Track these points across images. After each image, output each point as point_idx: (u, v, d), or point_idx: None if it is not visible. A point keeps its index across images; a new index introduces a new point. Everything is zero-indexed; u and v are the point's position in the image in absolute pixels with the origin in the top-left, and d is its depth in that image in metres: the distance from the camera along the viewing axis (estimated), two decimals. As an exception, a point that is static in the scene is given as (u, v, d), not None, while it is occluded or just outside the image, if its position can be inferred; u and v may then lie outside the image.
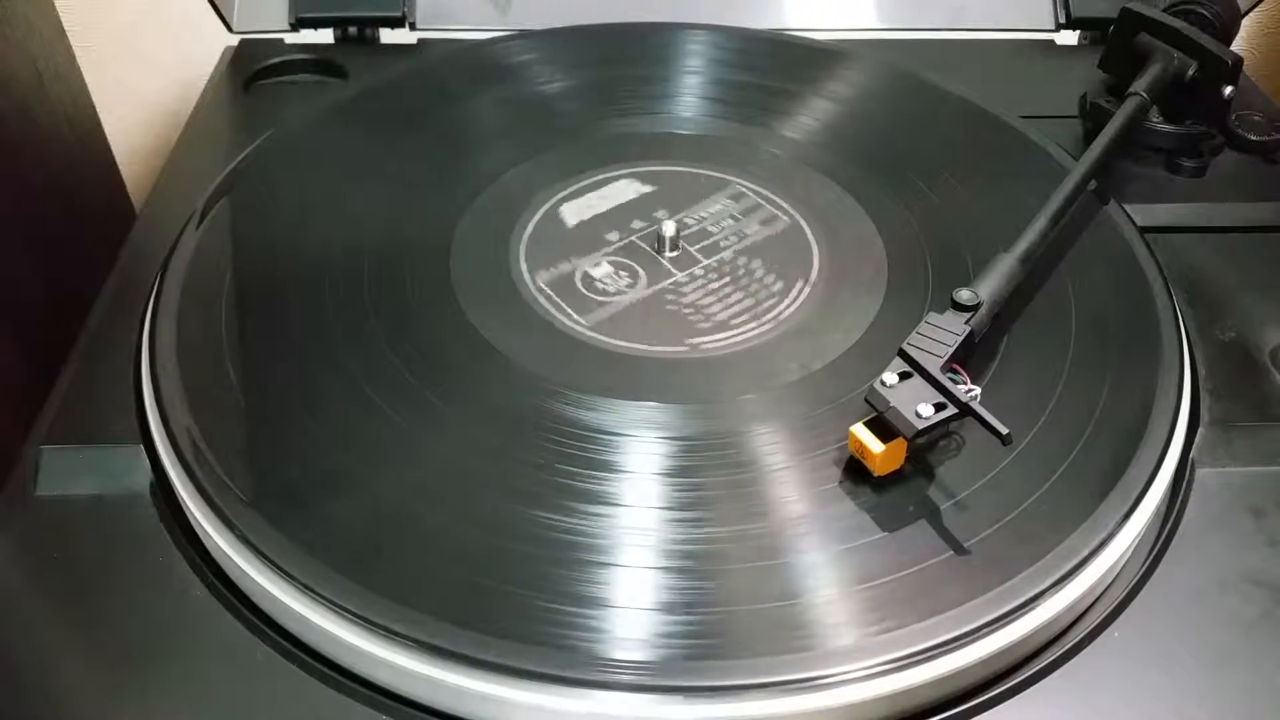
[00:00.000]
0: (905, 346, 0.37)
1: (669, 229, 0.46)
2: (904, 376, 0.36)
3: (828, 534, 0.35)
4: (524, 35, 0.60)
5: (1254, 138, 0.54)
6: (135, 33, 0.77)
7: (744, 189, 0.48)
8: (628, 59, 0.58)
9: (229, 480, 0.35)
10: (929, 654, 0.31)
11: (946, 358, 0.36)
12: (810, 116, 0.55)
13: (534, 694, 0.31)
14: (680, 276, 0.45)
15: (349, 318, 0.42)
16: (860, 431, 0.36)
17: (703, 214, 0.47)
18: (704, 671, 0.31)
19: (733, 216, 0.47)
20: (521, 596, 0.33)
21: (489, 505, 0.35)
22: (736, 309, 0.43)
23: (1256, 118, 0.55)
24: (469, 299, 0.43)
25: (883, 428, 0.35)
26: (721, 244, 0.46)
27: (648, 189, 0.49)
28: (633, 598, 0.33)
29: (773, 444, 0.38)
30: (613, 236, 0.47)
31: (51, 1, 0.65)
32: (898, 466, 0.36)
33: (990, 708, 0.32)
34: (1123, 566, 0.36)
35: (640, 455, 0.37)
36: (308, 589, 0.32)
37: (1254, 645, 0.34)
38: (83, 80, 0.68)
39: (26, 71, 0.60)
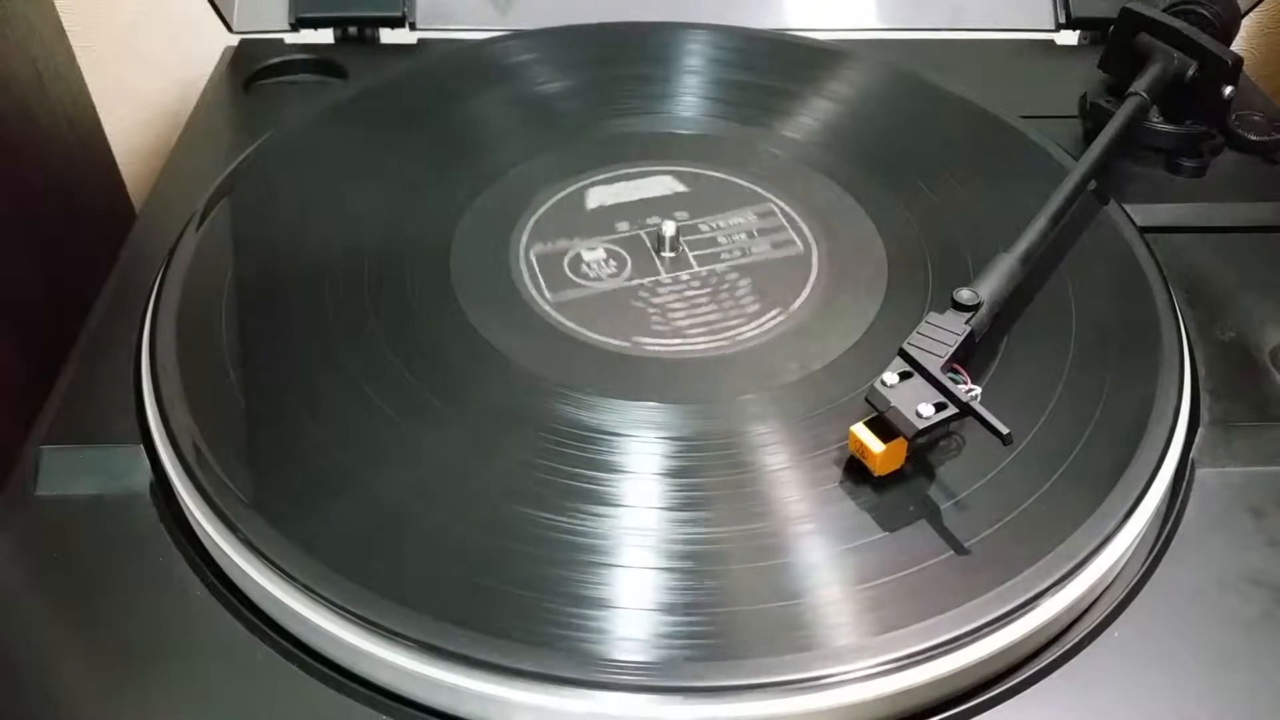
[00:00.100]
0: (906, 346, 0.37)
1: (669, 229, 0.46)
2: (904, 376, 0.36)
3: (828, 534, 0.35)
4: (524, 35, 0.60)
5: (1254, 138, 0.54)
6: (135, 33, 0.77)
7: (775, 208, 0.48)
8: (627, 59, 0.58)
9: (229, 480, 0.35)
10: (929, 654, 0.31)
11: (947, 357, 0.36)
12: (810, 116, 0.55)
13: (534, 694, 0.31)
14: (664, 277, 0.45)
15: (349, 318, 0.42)
16: (861, 431, 0.36)
17: (721, 223, 0.47)
18: (704, 672, 0.31)
19: (748, 233, 0.46)
20: (521, 596, 0.33)
21: (489, 505, 0.35)
22: (698, 320, 0.43)
23: (1256, 118, 0.55)
24: (469, 299, 0.43)
25: (883, 427, 0.35)
26: (723, 256, 0.46)
27: (681, 189, 0.49)
28: (633, 598, 0.33)
29: (773, 444, 0.38)
30: (623, 226, 0.47)
31: (51, 1, 0.65)
32: (898, 466, 0.36)
33: (990, 708, 0.32)
34: (1123, 566, 0.36)
35: (640, 455, 0.37)
36: (308, 589, 0.32)
37: (1254, 645, 0.34)
38: (83, 80, 0.68)
39: (26, 71, 0.60)
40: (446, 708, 0.32)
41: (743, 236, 0.46)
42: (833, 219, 0.48)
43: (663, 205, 0.49)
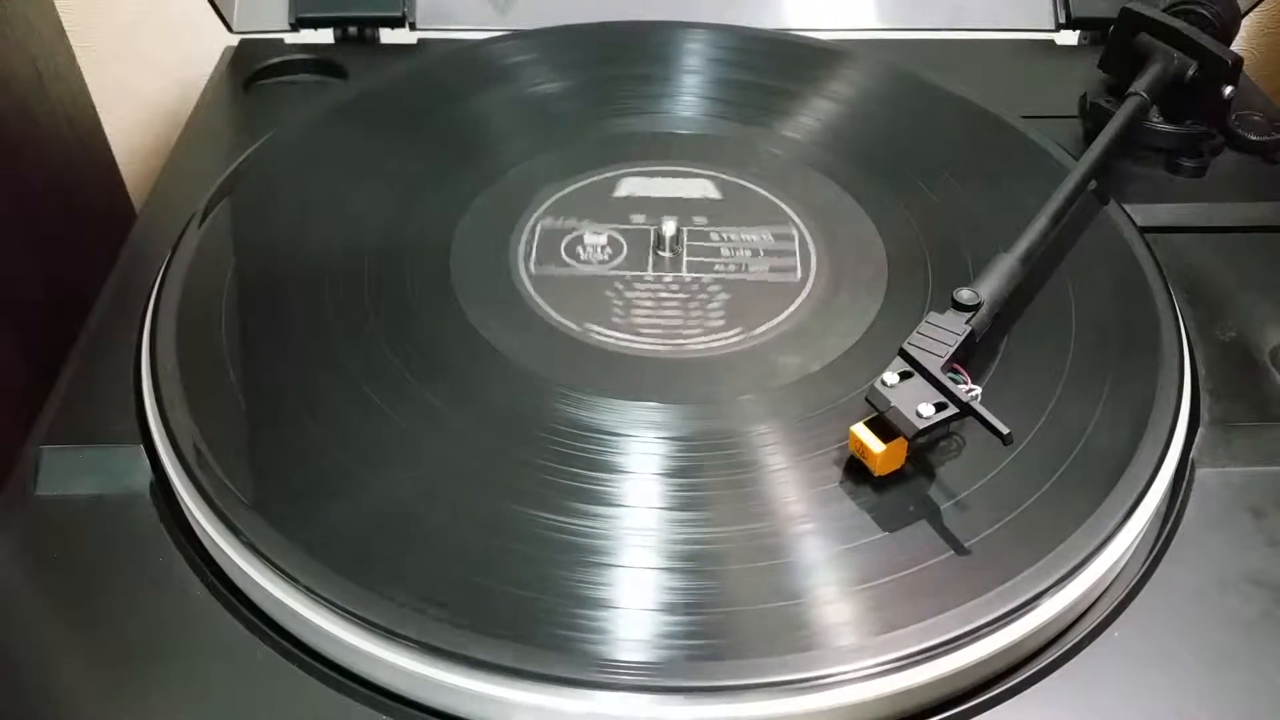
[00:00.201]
0: (906, 346, 0.37)
1: (669, 229, 0.46)
2: (905, 376, 0.36)
3: (828, 534, 0.35)
4: (524, 35, 0.60)
5: (1254, 138, 0.54)
6: (135, 33, 0.77)
7: (795, 234, 0.47)
8: (627, 58, 0.58)
9: (229, 480, 0.35)
10: (929, 654, 0.31)
11: (947, 357, 0.36)
12: (811, 116, 0.55)
13: (534, 694, 0.31)
14: (649, 274, 0.45)
15: (349, 318, 0.42)
16: (861, 431, 0.36)
17: (733, 236, 0.46)
18: (705, 672, 0.31)
19: (755, 251, 0.46)
20: (521, 596, 0.33)
21: (489, 505, 0.35)
22: (657, 321, 0.43)
23: (1256, 118, 0.55)
24: (469, 299, 0.43)
25: (883, 427, 0.35)
26: (717, 267, 0.46)
27: (715, 195, 0.49)
28: (633, 598, 0.33)
29: (773, 444, 0.38)
30: (638, 219, 0.48)
31: (51, 1, 0.65)
32: (898, 466, 0.36)
33: (990, 708, 0.32)
34: (1123, 566, 0.36)
35: (641, 455, 0.37)
36: (308, 589, 0.32)
37: (1254, 645, 0.34)
38: (83, 80, 0.68)
39: (26, 71, 0.60)
40: (446, 708, 0.32)
41: (747, 254, 0.46)
42: (833, 219, 0.48)
43: (687, 207, 0.49)
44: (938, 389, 0.35)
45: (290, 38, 0.63)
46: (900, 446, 0.36)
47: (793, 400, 0.40)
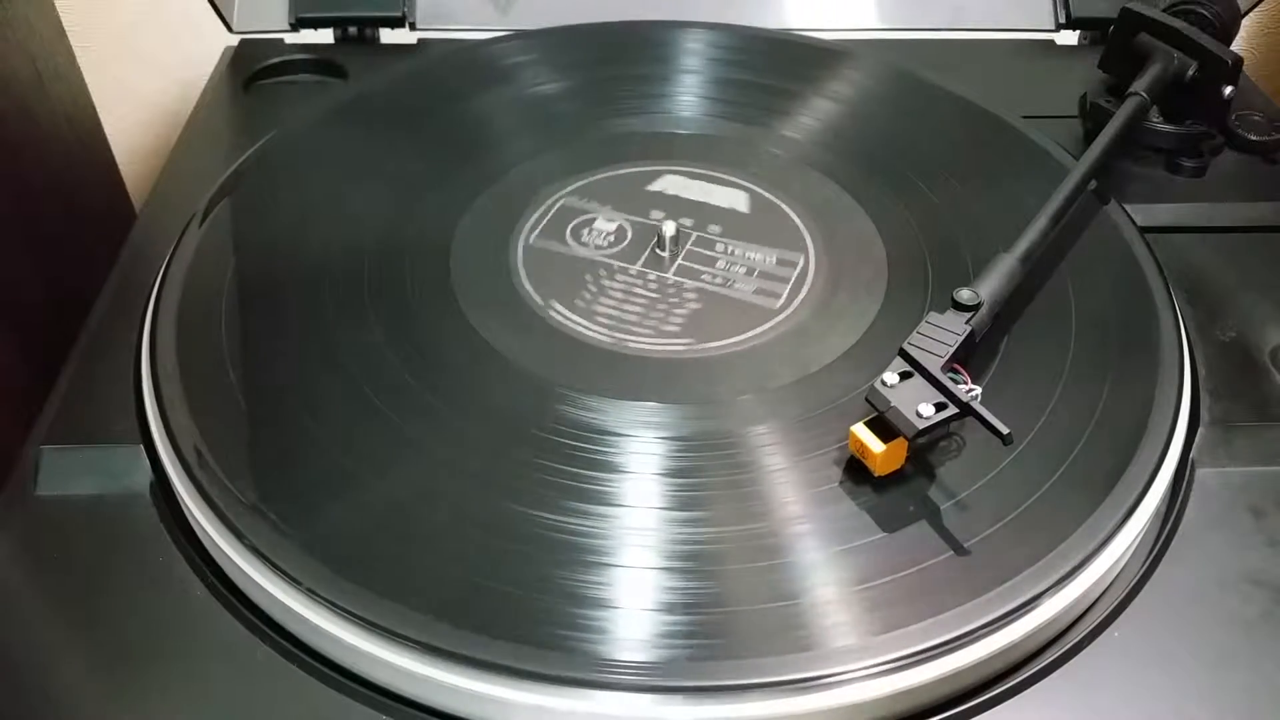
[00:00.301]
0: (906, 346, 0.37)
1: (669, 229, 0.46)
2: (905, 376, 0.36)
3: (828, 534, 0.35)
4: (524, 35, 0.60)
5: (1254, 138, 0.54)
6: (135, 33, 0.77)
7: (802, 262, 0.46)
8: (627, 58, 0.58)
9: (229, 481, 0.35)
10: (929, 654, 0.31)
11: (947, 357, 0.36)
12: (810, 116, 0.55)
13: (534, 694, 0.31)
14: (634, 268, 0.45)
15: (349, 318, 0.42)
16: (861, 431, 0.36)
17: (737, 252, 0.46)
18: (705, 672, 0.31)
19: (750, 270, 0.45)
20: (521, 596, 0.33)
21: (489, 505, 0.35)
22: (615, 314, 0.43)
23: (1256, 118, 0.55)
24: (469, 299, 0.43)
25: (883, 427, 0.35)
26: (704, 277, 0.45)
27: (743, 210, 0.48)
28: (633, 598, 0.33)
29: (773, 444, 0.38)
30: (657, 215, 0.48)
31: (51, 1, 0.65)
32: (898, 466, 0.36)
33: (990, 708, 0.32)
34: (1123, 566, 0.36)
35: (641, 456, 0.37)
36: (308, 590, 0.32)
37: (1254, 645, 0.34)
38: (83, 80, 0.68)
39: (26, 71, 0.60)
40: (446, 708, 0.32)
41: (741, 270, 0.45)
42: (833, 219, 0.48)
43: (710, 214, 0.48)
44: (938, 389, 0.35)
45: (290, 38, 0.63)
46: (900, 446, 0.36)
47: (792, 400, 0.40)
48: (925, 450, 0.37)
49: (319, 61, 0.61)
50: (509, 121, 0.54)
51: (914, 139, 0.53)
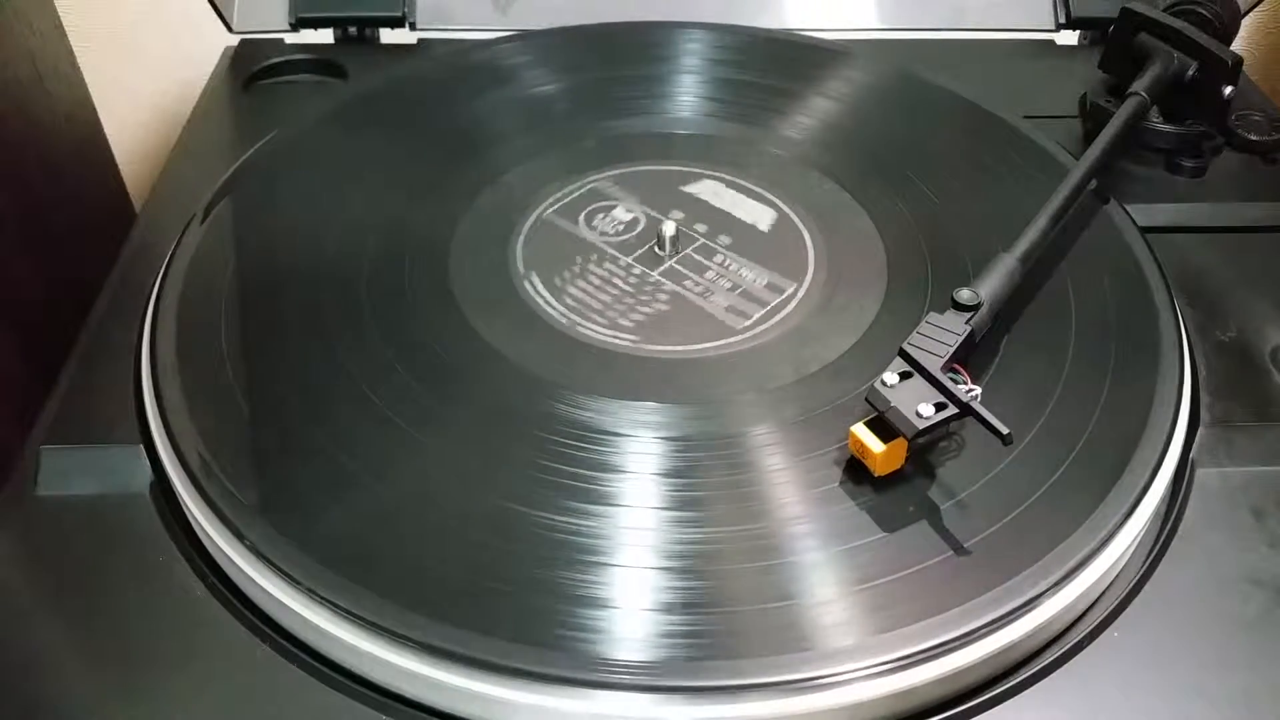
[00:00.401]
0: (906, 346, 0.37)
1: (668, 230, 0.46)
2: (904, 376, 0.36)
3: (828, 534, 0.35)
4: (524, 35, 0.60)
5: (1254, 138, 0.54)
6: (135, 33, 0.77)
7: (792, 290, 0.44)
8: (627, 58, 0.58)
9: (229, 481, 0.35)
10: (929, 654, 0.31)
11: (947, 358, 0.36)
12: (810, 116, 0.55)
13: (534, 694, 0.31)
14: (623, 259, 0.46)
15: (349, 318, 0.42)
16: (861, 431, 0.36)
17: (734, 268, 0.45)
18: (704, 671, 0.31)
19: (735, 286, 0.44)
20: (521, 596, 0.33)
21: (489, 505, 0.35)
22: (581, 299, 0.44)
23: (1256, 118, 0.55)
24: (469, 299, 0.43)
25: (883, 428, 0.35)
26: (686, 283, 0.45)
27: (763, 229, 0.48)
28: (632, 598, 0.33)
29: (773, 444, 0.38)
30: (676, 215, 0.48)
31: (51, 1, 0.65)
32: (898, 466, 0.36)
33: (990, 708, 0.32)
34: (1123, 567, 0.36)
35: (640, 456, 0.37)
36: (308, 590, 0.32)
37: (1254, 645, 0.34)
38: (83, 80, 0.68)
39: (26, 71, 0.60)
40: (446, 708, 0.32)
41: (725, 285, 0.44)
42: (833, 219, 0.48)
43: (728, 225, 0.48)
44: (938, 389, 0.35)
45: (290, 38, 0.63)
46: (900, 447, 0.36)
47: (792, 400, 0.40)
48: (925, 450, 0.37)
49: (319, 61, 0.61)
50: (509, 122, 0.54)
51: (914, 139, 0.53)
